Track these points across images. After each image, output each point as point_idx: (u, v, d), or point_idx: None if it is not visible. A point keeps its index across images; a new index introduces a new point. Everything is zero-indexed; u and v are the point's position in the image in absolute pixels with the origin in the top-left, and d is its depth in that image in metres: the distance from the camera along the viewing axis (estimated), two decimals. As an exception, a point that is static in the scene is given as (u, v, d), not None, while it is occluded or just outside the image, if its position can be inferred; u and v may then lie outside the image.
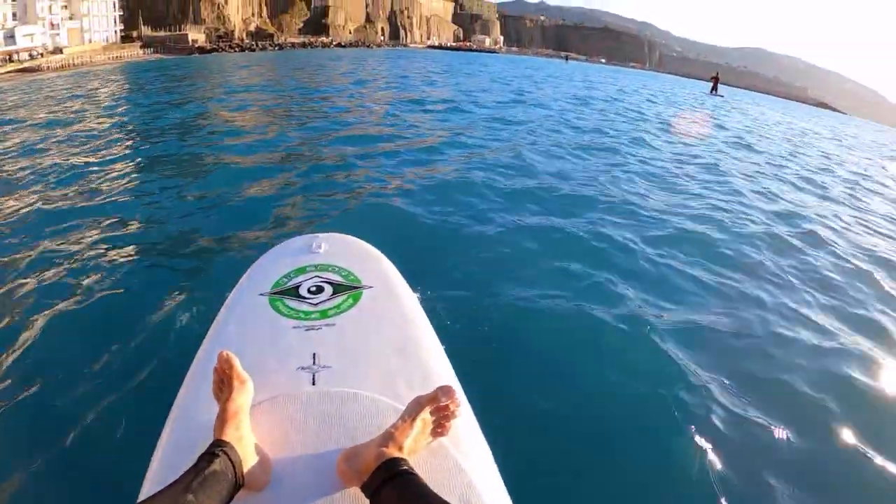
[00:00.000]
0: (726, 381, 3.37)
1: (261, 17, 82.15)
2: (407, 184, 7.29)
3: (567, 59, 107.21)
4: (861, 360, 3.85)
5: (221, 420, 1.34)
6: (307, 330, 1.79)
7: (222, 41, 65.43)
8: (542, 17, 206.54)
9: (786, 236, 6.57)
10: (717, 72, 49.74)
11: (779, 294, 4.84)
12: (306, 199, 6.39)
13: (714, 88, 41.31)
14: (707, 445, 2.77)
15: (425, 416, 1.36)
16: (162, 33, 59.20)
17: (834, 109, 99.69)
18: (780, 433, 2.96)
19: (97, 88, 20.85)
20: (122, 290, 3.99)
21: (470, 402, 1.66)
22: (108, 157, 8.40)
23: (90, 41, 50.39)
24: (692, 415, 2.98)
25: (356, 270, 2.09)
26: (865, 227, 7.98)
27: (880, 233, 7.78)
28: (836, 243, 6.62)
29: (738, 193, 8.64)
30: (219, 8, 71.52)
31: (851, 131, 36.32)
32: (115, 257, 4.56)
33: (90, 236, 5.05)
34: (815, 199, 9.34)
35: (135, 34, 56.68)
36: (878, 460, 2.85)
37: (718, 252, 5.72)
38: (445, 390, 1.41)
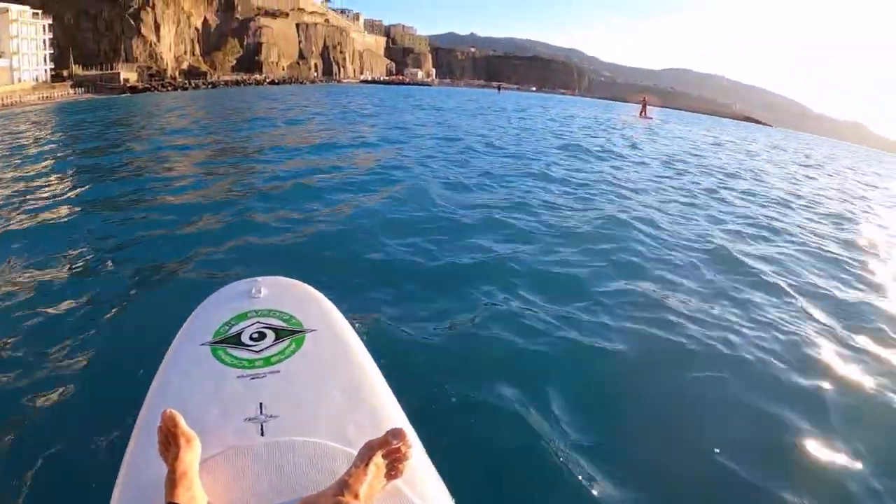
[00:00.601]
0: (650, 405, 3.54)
1: (193, 54, 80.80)
2: (338, 221, 7.36)
3: (500, 90, 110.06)
4: (778, 377, 4.02)
5: (171, 481, 1.32)
6: (252, 379, 1.75)
7: (154, 80, 63.88)
8: (473, 49, 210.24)
9: (698, 251, 6.97)
10: (645, 95, 51.71)
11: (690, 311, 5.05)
12: (241, 242, 6.28)
13: (643, 111, 42.76)
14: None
15: (378, 461, 1.37)
16: (93, 72, 57.17)
17: (760, 122, 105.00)
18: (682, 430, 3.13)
19: (25, 132, 19.98)
20: (54, 346, 3.78)
21: (422, 440, 1.68)
22: (37, 205, 8.05)
23: (20, 80, 48.28)
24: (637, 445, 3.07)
25: (298, 314, 2.06)
26: (784, 234, 8.46)
27: (791, 241, 8.26)
28: (749, 254, 7.05)
29: (664, 211, 9.00)
30: (151, 46, 69.98)
31: (777, 142, 38.33)
32: (46, 310, 4.34)
33: (18, 287, 4.79)
34: (743, 212, 9.85)
35: (66, 73, 54.69)
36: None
37: (638, 270, 6.08)
38: (396, 433, 1.42)
